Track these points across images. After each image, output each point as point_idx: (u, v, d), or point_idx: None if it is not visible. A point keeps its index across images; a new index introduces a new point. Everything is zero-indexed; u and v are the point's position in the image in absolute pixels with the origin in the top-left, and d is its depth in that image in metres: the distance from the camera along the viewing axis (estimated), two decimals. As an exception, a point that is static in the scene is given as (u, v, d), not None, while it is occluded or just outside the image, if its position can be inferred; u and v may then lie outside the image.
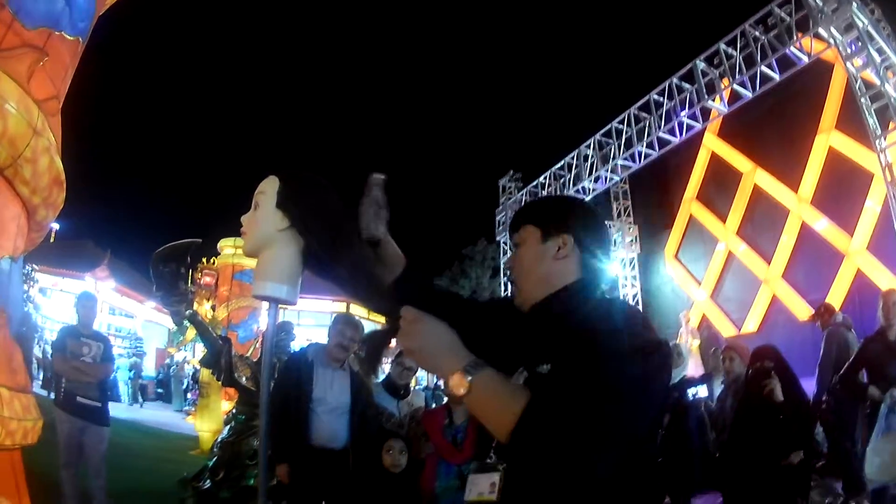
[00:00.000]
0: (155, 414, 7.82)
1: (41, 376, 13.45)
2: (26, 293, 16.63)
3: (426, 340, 1.41)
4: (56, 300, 26.06)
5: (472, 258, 35.78)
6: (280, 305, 1.59)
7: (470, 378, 1.33)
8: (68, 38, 3.02)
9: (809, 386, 7.04)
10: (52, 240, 24.31)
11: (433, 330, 1.42)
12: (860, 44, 11.37)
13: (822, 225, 14.91)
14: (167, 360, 24.44)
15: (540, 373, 1.46)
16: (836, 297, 14.58)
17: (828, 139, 14.76)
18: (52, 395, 6.20)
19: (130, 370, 21.06)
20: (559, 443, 1.22)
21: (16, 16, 2.74)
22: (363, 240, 1.53)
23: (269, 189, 1.51)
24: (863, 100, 11.49)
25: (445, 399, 4.77)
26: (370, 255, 1.55)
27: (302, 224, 1.48)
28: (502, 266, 23.04)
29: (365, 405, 4.64)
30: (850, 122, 13.21)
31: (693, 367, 14.52)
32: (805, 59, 12.58)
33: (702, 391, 6.15)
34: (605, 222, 1.74)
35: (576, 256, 1.63)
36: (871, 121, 11.38)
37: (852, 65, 11.61)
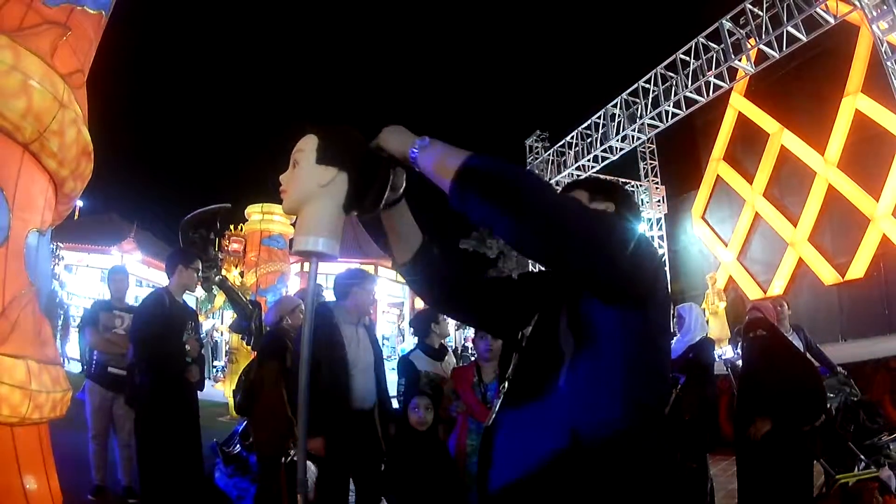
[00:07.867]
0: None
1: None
2: (52, 270, 16.75)
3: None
4: (82, 276, 26.07)
5: (499, 219, 35.63)
6: (319, 261, 1.59)
7: (420, 142, 1.47)
8: (91, 12, 3.04)
9: (832, 351, 6.94)
10: (76, 216, 24.47)
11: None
12: (885, 7, 11.15)
13: (849, 189, 14.74)
14: (195, 328, 24.54)
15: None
16: (860, 262, 14.51)
17: (854, 102, 14.54)
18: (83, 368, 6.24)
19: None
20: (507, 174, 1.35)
21: (36, -5, 2.76)
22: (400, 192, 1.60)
23: (307, 147, 1.52)
24: (889, 63, 11.27)
25: (473, 357, 4.73)
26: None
27: (351, 172, 1.50)
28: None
29: (381, 360, 4.54)
30: (877, 85, 13.00)
31: (719, 329, 14.50)
32: (831, 20, 12.33)
33: (728, 352, 6.11)
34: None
35: None
36: (898, 85, 11.20)
37: (878, 27, 11.38)
